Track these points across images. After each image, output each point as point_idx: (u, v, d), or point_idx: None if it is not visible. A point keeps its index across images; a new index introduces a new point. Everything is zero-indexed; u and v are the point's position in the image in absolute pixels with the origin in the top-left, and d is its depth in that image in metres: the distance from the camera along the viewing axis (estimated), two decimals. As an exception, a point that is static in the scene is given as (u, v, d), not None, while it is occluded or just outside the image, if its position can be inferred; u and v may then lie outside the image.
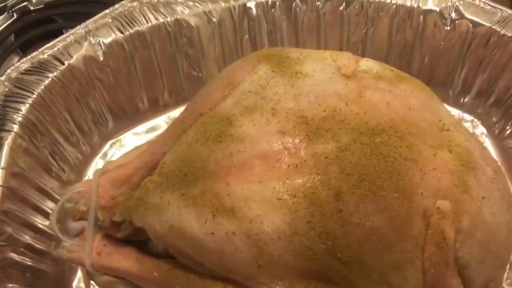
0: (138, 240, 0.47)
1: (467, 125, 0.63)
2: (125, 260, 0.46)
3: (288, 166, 0.41)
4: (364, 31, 0.64)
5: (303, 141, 0.41)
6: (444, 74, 0.64)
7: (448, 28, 0.60)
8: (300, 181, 0.40)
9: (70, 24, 0.59)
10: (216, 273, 0.41)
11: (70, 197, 0.47)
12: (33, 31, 0.74)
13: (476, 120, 0.64)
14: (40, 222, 0.52)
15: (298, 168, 0.40)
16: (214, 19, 0.63)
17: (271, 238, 0.39)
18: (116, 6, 0.61)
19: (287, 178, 0.40)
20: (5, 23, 0.76)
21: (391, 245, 0.39)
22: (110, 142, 0.63)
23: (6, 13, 0.76)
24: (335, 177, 0.39)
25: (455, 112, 0.64)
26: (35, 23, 0.76)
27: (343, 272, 0.39)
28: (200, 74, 0.65)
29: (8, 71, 0.54)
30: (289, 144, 0.41)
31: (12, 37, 0.75)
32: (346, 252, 0.38)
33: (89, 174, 0.61)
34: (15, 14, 0.76)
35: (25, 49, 0.74)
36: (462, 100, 0.65)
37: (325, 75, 0.46)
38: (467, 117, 0.64)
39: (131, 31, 0.59)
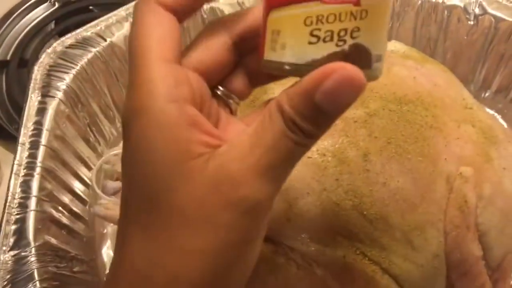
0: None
1: (488, 119, 0.65)
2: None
3: (319, 129, 0.43)
4: (390, 25, 0.66)
5: (333, 107, 0.44)
6: (466, 69, 0.66)
7: (472, 23, 0.63)
8: (330, 141, 0.42)
9: (105, 13, 0.62)
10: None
11: (108, 159, 0.50)
12: (71, 19, 0.79)
13: (496, 114, 0.66)
14: (77, 186, 0.54)
15: (328, 130, 0.42)
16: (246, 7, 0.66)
17: (301, 193, 0.41)
18: (155, -7, 0.64)
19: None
20: (47, 11, 0.80)
21: (414, 206, 0.41)
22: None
23: (48, 2, 0.80)
24: (363, 139, 0.42)
25: (476, 106, 0.66)
26: (73, 11, 0.80)
27: (367, 229, 0.41)
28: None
29: (54, 44, 0.57)
30: (320, 110, 0.44)
31: (52, 24, 0.79)
32: (372, 210, 0.40)
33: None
34: (56, 4, 0.81)
35: (63, 36, 0.77)
36: (483, 95, 0.67)
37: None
38: (488, 111, 0.66)
39: (169, 15, 0.63)
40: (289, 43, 0.25)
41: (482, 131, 0.45)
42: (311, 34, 0.25)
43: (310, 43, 0.25)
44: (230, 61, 0.30)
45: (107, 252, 0.55)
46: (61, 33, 0.77)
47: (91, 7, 0.81)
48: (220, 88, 0.30)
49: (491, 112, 0.66)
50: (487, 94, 0.66)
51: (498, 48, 0.63)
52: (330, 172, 0.41)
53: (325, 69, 0.24)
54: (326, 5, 0.25)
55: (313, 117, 0.25)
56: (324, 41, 0.25)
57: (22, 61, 0.73)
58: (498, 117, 0.66)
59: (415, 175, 0.41)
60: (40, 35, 0.76)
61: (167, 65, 0.26)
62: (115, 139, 0.63)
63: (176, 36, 0.27)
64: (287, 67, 0.26)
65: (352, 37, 0.25)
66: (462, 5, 0.63)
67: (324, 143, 0.42)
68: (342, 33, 0.25)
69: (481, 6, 0.62)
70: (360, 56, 0.25)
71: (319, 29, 0.25)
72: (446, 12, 0.63)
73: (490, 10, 0.62)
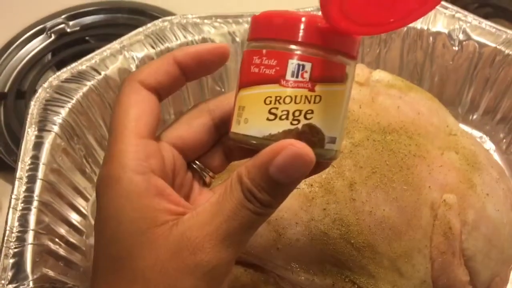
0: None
1: (476, 141, 0.67)
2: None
3: (306, 160, 0.44)
4: (378, 51, 0.68)
5: (320, 138, 0.45)
6: (453, 93, 0.68)
7: (456, 48, 0.64)
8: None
9: (102, 44, 0.64)
10: (237, 258, 0.44)
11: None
12: (68, 50, 0.80)
13: (484, 136, 0.67)
14: (74, 217, 0.56)
15: (315, 161, 0.44)
16: (237, 39, 0.68)
17: (289, 224, 0.42)
18: (148, 25, 0.66)
19: (305, 171, 0.44)
20: (43, 42, 0.82)
21: (400, 233, 0.42)
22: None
23: (45, 33, 0.82)
24: (349, 169, 0.43)
25: (464, 129, 0.67)
26: (70, 43, 0.82)
27: (355, 257, 0.42)
28: (223, 90, 0.70)
29: (50, 79, 0.59)
30: (307, 141, 0.45)
31: (49, 55, 0.81)
32: (359, 238, 0.42)
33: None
34: (52, 35, 0.82)
35: (60, 66, 0.78)
36: (470, 117, 0.68)
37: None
38: (476, 133, 0.68)
39: (162, 47, 0.65)
40: (251, 118, 0.28)
41: (465, 157, 0.47)
42: (270, 112, 0.28)
43: (268, 119, 0.28)
44: (210, 140, 0.33)
45: (104, 281, 0.56)
46: (58, 64, 0.79)
47: (87, 38, 0.83)
48: (197, 162, 0.33)
49: (480, 134, 0.68)
50: (474, 117, 0.68)
51: (483, 72, 0.64)
52: (318, 202, 0.42)
53: (277, 145, 0.26)
54: (284, 88, 0.27)
55: (269, 188, 0.27)
56: (281, 119, 0.27)
57: (20, 93, 0.74)
58: (487, 138, 0.67)
59: (400, 203, 0.42)
60: (37, 67, 0.78)
61: (140, 140, 0.29)
62: (111, 168, 0.64)
63: (153, 114, 0.30)
64: (249, 139, 0.28)
65: (305, 118, 0.28)
66: (446, 31, 0.64)
67: (311, 174, 0.43)
68: (296, 114, 0.27)
69: (465, 32, 0.64)
70: (312, 136, 0.28)
71: (277, 108, 0.28)
72: (431, 39, 0.65)
73: (474, 36, 0.64)
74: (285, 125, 0.27)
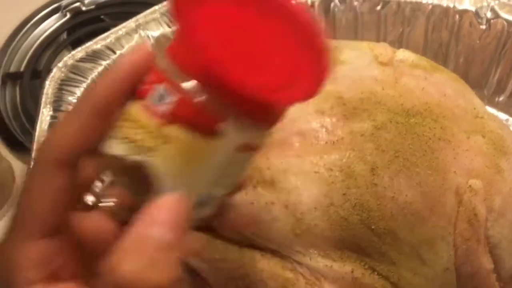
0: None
1: (502, 123, 0.64)
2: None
3: (326, 143, 0.43)
4: (401, 30, 0.66)
5: (340, 120, 0.44)
6: (479, 74, 0.65)
7: (484, 27, 0.62)
8: (337, 156, 0.42)
9: (117, 22, 0.63)
10: (255, 243, 0.43)
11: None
12: (83, 29, 0.79)
13: (511, 119, 0.65)
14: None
15: (335, 144, 0.42)
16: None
17: (308, 208, 0.41)
18: (164, 3, 0.65)
19: (325, 154, 0.42)
20: (58, 21, 0.81)
21: (423, 220, 0.41)
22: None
23: (60, 12, 0.81)
24: (370, 153, 0.41)
25: (490, 111, 0.65)
26: (85, 21, 0.81)
27: (376, 243, 0.41)
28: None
29: (65, 58, 0.58)
30: (327, 123, 0.44)
31: (64, 34, 0.80)
32: (380, 224, 0.40)
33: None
34: (68, 14, 0.81)
35: (75, 45, 0.77)
36: (497, 99, 0.66)
37: (362, 62, 0.48)
38: (502, 116, 0.65)
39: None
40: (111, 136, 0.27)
41: (492, 141, 0.45)
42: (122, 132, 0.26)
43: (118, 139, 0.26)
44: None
45: None
46: (73, 43, 0.78)
47: (102, 17, 0.81)
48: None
49: (506, 116, 0.65)
50: (501, 98, 0.65)
51: (511, 52, 0.62)
52: (338, 187, 0.41)
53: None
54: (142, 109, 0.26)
55: None
56: (125, 142, 0.26)
57: (35, 73, 0.74)
58: (513, 121, 0.65)
59: (424, 189, 0.41)
60: (52, 46, 0.77)
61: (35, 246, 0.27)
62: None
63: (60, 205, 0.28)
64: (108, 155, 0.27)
65: (144, 153, 0.25)
66: (473, 9, 0.62)
67: (331, 157, 0.42)
68: (139, 143, 0.26)
69: (493, 10, 0.61)
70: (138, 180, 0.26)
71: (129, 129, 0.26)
72: (457, 17, 0.63)
73: (502, 14, 0.61)
74: (124, 151, 0.26)
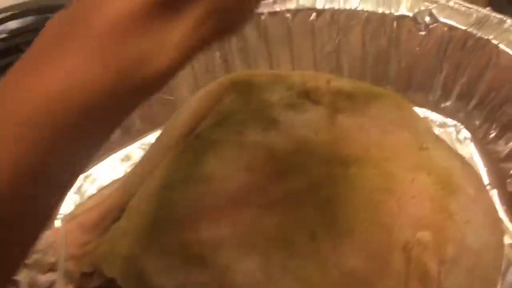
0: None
1: (450, 130, 0.61)
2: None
3: (259, 207, 0.39)
4: (337, 40, 0.62)
5: (273, 178, 0.39)
6: (423, 79, 0.62)
7: (423, 33, 0.58)
8: (272, 222, 0.38)
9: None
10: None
11: (37, 247, 0.45)
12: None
13: (459, 124, 0.62)
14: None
15: (270, 208, 0.38)
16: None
17: (246, 286, 0.37)
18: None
19: (259, 220, 0.38)
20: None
21: (371, 284, 0.37)
22: (83, 176, 0.61)
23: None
24: (309, 215, 0.37)
25: (437, 117, 0.62)
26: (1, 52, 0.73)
27: (324, 317, 0.37)
28: (172, 98, 0.63)
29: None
30: (259, 183, 0.39)
31: (-24, 69, 0.72)
32: (326, 296, 0.37)
33: (64, 211, 0.58)
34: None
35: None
36: (443, 104, 0.62)
37: (293, 103, 0.44)
38: (450, 121, 0.62)
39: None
40: None
41: (440, 180, 0.41)
42: None
43: None
44: None
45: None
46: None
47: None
48: None
49: (454, 122, 0.62)
50: (447, 104, 0.62)
51: (454, 57, 0.58)
52: (277, 258, 0.37)
53: None
54: None
55: None
56: None
57: None
58: (461, 127, 0.62)
59: (369, 250, 0.37)
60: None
61: None
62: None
63: None
64: None
65: None
66: (411, 15, 0.58)
67: (266, 224, 0.37)
68: None
69: (431, 14, 0.57)
70: None
71: None
72: (395, 24, 0.59)
73: (441, 19, 0.57)
74: None
